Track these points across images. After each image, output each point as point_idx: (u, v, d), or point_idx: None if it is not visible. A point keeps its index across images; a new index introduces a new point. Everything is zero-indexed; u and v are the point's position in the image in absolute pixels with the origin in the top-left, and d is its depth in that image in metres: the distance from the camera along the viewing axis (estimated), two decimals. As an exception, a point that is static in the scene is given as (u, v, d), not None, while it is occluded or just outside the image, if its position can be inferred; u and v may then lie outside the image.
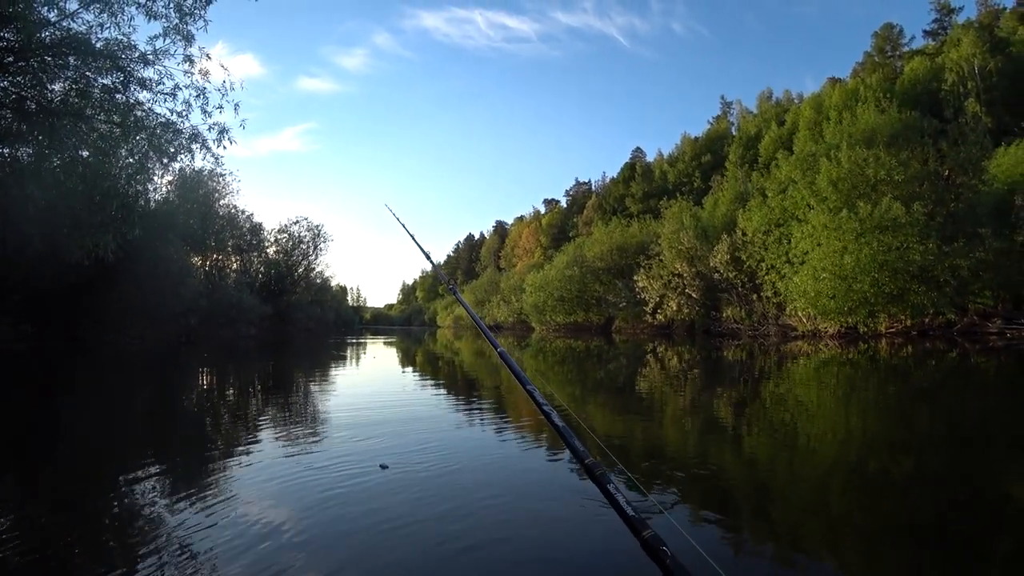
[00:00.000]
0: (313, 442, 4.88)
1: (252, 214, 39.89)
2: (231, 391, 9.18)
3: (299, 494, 3.35)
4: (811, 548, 2.63)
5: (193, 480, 3.77)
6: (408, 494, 3.30)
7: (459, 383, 10.36)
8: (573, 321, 43.37)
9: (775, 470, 4.09)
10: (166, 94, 11.75)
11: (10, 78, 10.35)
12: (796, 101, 56.13)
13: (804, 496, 3.49)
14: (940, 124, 24.82)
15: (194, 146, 12.22)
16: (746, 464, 4.24)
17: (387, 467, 3.83)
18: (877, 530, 2.83)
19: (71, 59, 10.24)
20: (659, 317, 33.87)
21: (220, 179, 33.11)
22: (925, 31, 53.97)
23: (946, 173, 22.51)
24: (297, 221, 44.15)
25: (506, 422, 5.90)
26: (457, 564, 2.37)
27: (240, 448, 4.72)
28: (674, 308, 32.51)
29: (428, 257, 2.69)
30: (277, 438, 5.09)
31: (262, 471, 3.90)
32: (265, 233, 41.54)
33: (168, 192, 26.50)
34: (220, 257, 36.65)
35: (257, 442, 4.91)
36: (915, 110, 25.90)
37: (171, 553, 2.54)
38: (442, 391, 9.12)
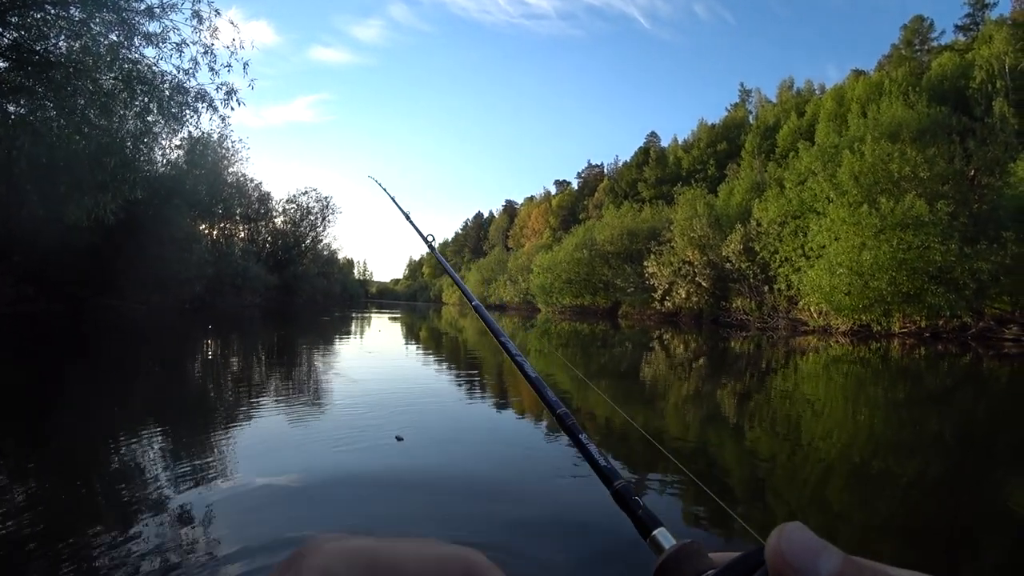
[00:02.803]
0: (325, 413, 4.91)
1: (261, 183, 39.74)
2: (237, 361, 9.02)
3: (313, 462, 3.37)
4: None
5: (207, 450, 3.68)
6: (420, 465, 3.47)
7: (463, 360, 10.30)
8: (580, 304, 43.17)
9: (774, 465, 4.04)
10: (173, 44, 11.25)
11: (13, 32, 9.93)
12: (817, 92, 54.87)
13: (802, 494, 3.48)
14: (969, 122, 24.13)
15: (199, 105, 11.84)
16: (745, 458, 4.18)
17: (403, 439, 3.93)
18: (872, 531, 2.82)
19: (74, 10, 9.77)
20: (667, 304, 33.58)
21: (229, 146, 32.82)
22: (957, 26, 52.29)
23: (971, 173, 21.91)
24: (306, 192, 44.00)
25: (507, 398, 5.98)
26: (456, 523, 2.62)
27: (244, 417, 4.66)
28: (683, 296, 32.19)
29: (408, 217, 2.55)
30: (292, 408, 5.04)
31: (268, 438, 3.93)
32: (273, 203, 41.38)
33: (176, 157, 26.21)
34: (228, 225, 36.50)
35: (261, 410, 4.91)
36: (943, 106, 25.17)
37: (171, 514, 2.53)
38: (446, 367, 9.11)
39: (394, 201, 2.76)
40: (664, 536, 0.42)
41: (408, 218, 2.51)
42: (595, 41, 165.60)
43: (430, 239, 1.99)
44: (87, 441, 3.91)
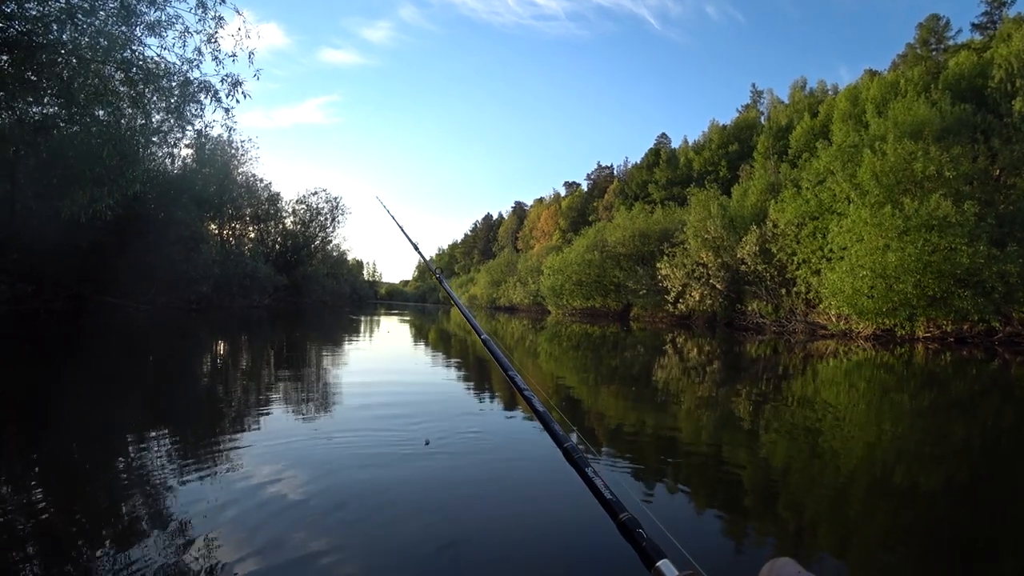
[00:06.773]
0: (348, 417, 4.88)
1: (271, 183, 39.57)
2: (249, 365, 8.76)
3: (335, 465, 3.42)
4: (816, 555, 2.46)
5: (231, 460, 3.51)
6: (444, 469, 3.51)
7: (472, 363, 10.08)
8: (590, 306, 42.67)
9: (789, 473, 3.92)
10: (177, 32, 10.85)
11: (17, 24, 9.56)
12: (830, 92, 54.02)
13: (818, 502, 3.36)
14: (993, 120, 23.51)
15: (202, 95, 11.49)
16: (760, 466, 4.05)
17: (429, 443, 3.99)
18: (892, 541, 2.73)
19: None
20: (680, 307, 33.00)
21: (239, 145, 32.63)
22: (973, 24, 51.38)
23: (996, 173, 21.28)
24: (315, 192, 43.82)
25: (520, 402, 5.83)
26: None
27: (264, 425, 4.53)
28: (696, 298, 31.62)
29: (416, 248, 2.47)
30: (310, 411, 5.05)
31: (290, 447, 3.82)
32: (283, 203, 41.18)
33: (185, 156, 25.97)
34: (237, 225, 36.34)
35: (280, 418, 4.71)
36: (968, 104, 24.53)
37: (179, 528, 2.39)
38: (461, 370, 8.96)
39: (403, 231, 2.71)
40: (667, 568, 0.45)
41: (416, 248, 2.48)
42: (605, 42, 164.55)
43: (437, 273, 2.07)
44: (84, 445, 3.76)
